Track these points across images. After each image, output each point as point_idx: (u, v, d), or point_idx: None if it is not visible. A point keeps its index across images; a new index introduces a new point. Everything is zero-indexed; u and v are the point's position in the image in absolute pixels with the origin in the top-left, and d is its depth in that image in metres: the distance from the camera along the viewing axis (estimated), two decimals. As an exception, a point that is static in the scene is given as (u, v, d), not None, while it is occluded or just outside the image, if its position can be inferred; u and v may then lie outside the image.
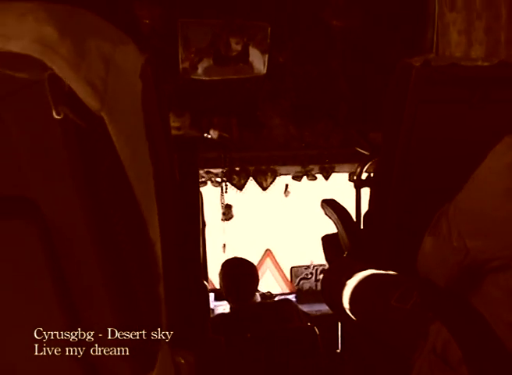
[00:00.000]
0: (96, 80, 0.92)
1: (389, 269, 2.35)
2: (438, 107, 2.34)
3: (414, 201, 2.43)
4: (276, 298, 4.88)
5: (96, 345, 1.12)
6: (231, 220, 4.87)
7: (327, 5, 4.48)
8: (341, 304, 2.39)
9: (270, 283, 5.59)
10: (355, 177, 3.64)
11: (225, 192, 4.67)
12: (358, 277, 2.34)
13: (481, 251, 1.66)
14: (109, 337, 1.12)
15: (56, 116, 0.89)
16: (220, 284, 4.42)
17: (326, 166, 4.79)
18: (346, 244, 2.96)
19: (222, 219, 4.81)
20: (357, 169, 3.62)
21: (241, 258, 4.52)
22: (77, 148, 0.96)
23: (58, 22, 0.89)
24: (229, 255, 4.80)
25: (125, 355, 1.15)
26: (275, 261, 5.82)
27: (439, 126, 2.37)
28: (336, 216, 3.08)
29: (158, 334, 1.20)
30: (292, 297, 5.21)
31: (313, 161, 4.80)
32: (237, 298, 4.25)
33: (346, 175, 4.70)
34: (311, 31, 4.60)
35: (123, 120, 1.00)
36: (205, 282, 3.81)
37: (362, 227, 3.15)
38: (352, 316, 2.36)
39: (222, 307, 4.72)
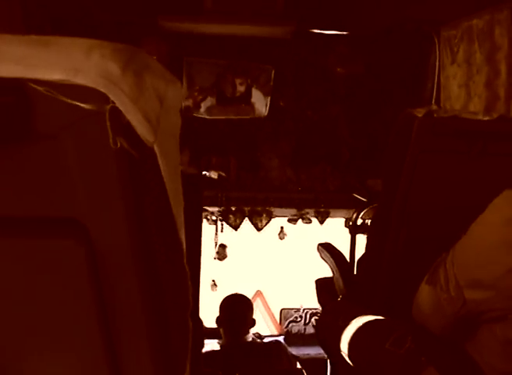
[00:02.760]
0: (151, 114, 0.97)
1: (384, 315, 2.37)
2: (438, 157, 2.37)
3: (411, 248, 2.45)
4: (265, 340, 4.87)
5: (127, 365, 1.15)
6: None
7: (331, 53, 4.55)
8: (337, 348, 2.40)
9: (259, 324, 5.58)
10: (351, 223, 3.66)
11: (221, 231, 4.70)
12: (357, 323, 2.35)
13: (479, 303, 1.68)
14: (140, 359, 1.15)
15: (113, 146, 0.94)
16: (218, 317, 4.43)
17: (322, 210, 4.82)
18: (340, 289, 2.98)
19: (215, 258, 4.82)
20: (353, 215, 3.65)
21: (243, 295, 4.55)
22: (129, 177, 1.00)
23: (122, 59, 0.94)
24: (220, 293, 4.80)
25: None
26: (265, 302, 5.82)
27: (438, 176, 2.40)
28: (332, 260, 3.10)
29: (184, 360, 1.23)
30: (280, 339, 5.20)
31: (308, 204, 4.83)
32: (233, 332, 4.26)
33: (341, 220, 4.75)
34: (314, 77, 4.67)
35: (170, 154, 1.05)
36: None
37: (356, 272, 3.18)
38: (349, 362, 2.37)
39: (210, 345, 4.71)
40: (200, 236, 2.53)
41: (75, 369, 1.17)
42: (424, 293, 1.93)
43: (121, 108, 0.93)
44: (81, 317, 1.10)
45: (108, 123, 0.93)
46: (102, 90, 0.92)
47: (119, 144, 0.94)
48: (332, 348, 2.50)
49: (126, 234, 1.04)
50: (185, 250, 1.17)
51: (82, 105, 0.91)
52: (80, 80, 0.91)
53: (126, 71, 0.94)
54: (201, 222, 2.66)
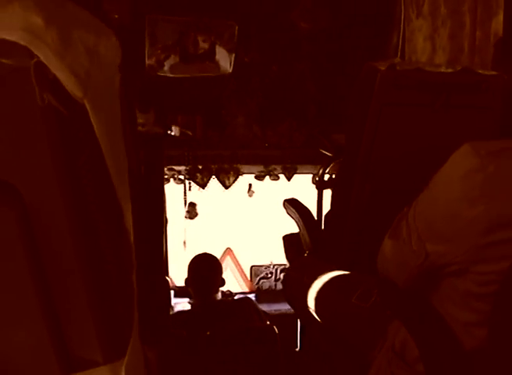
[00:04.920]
0: (80, 69, 0.93)
1: (350, 269, 2.38)
2: (401, 110, 2.37)
3: (375, 203, 2.46)
4: (236, 297, 4.89)
5: (70, 329, 1.13)
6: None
7: (295, 7, 4.51)
8: (305, 304, 2.41)
9: (230, 281, 5.59)
10: (317, 178, 3.66)
11: (189, 190, 4.67)
12: (323, 279, 2.36)
13: (441, 256, 1.69)
14: (83, 323, 1.13)
15: (40, 103, 0.90)
16: (187, 278, 4.42)
17: (288, 166, 4.82)
18: (307, 244, 2.98)
19: (185, 217, 4.80)
20: (319, 171, 3.64)
21: (211, 255, 4.53)
22: (59, 135, 0.97)
23: (45, 11, 0.90)
24: (190, 252, 4.79)
25: (97, 341, 1.16)
26: (236, 259, 5.82)
27: (401, 130, 2.40)
28: (298, 215, 3.10)
29: (130, 322, 1.21)
30: (251, 296, 5.22)
31: (275, 161, 4.83)
32: (202, 292, 4.26)
33: (309, 176, 4.75)
34: (278, 32, 4.62)
35: (104, 111, 1.01)
36: (167, 278, 3.80)
37: (323, 228, 3.18)
38: (316, 317, 2.38)
39: (182, 304, 4.72)
40: (163, 195, 2.51)
41: (14, 337, 1.15)
42: (388, 247, 1.93)
43: (46, 62, 0.89)
44: (16, 284, 1.08)
45: (33, 79, 0.89)
46: (24, 44, 0.88)
47: (46, 101, 0.91)
48: (299, 304, 2.52)
49: (59, 195, 1.01)
50: (126, 210, 1.14)
51: (4, 60, 0.88)
52: (0, 34, 0.87)
53: (49, 24, 0.90)
54: (163, 181, 2.64)
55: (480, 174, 1.58)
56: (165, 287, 3.82)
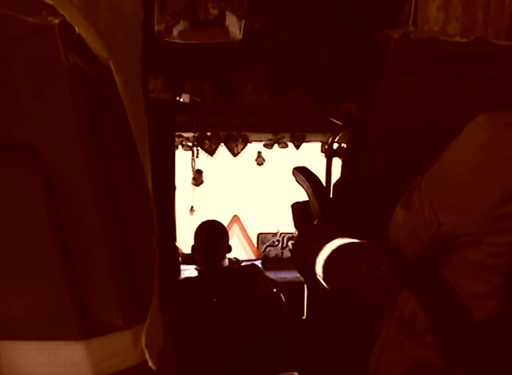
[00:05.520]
0: (105, 28, 0.92)
1: (360, 238, 2.38)
2: (414, 79, 2.35)
3: (386, 172, 2.45)
4: (243, 264, 4.90)
5: (91, 293, 1.13)
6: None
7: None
8: (313, 271, 2.41)
9: (237, 249, 5.60)
10: (326, 147, 3.65)
11: (197, 157, 4.66)
12: (332, 246, 2.36)
13: (453, 227, 1.69)
14: (104, 287, 1.13)
15: (65, 62, 0.89)
16: (193, 245, 4.42)
17: (298, 134, 4.80)
18: (316, 212, 2.98)
19: (192, 184, 4.80)
20: (328, 139, 3.62)
21: (217, 222, 4.52)
22: (83, 96, 0.96)
23: None
24: (197, 219, 4.80)
25: (118, 305, 1.16)
26: (243, 227, 5.82)
27: (414, 99, 2.39)
28: (307, 183, 3.09)
29: (150, 287, 1.21)
30: (258, 263, 5.23)
31: (284, 129, 4.81)
32: (208, 259, 4.26)
33: (317, 144, 4.73)
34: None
35: (128, 71, 1.00)
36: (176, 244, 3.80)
37: (332, 196, 3.17)
38: (325, 285, 2.39)
39: (189, 271, 4.73)
40: (174, 161, 2.50)
41: (35, 301, 1.15)
42: (399, 217, 1.93)
43: (71, 21, 0.87)
44: (39, 247, 1.07)
45: (58, 38, 0.88)
46: (50, 2, 0.86)
47: (71, 61, 0.89)
48: (308, 272, 2.52)
49: (81, 157, 1.00)
50: (148, 173, 1.14)
51: (29, 18, 0.86)
52: None
53: None
54: (174, 147, 2.64)
55: (495, 145, 1.57)
56: (176, 253, 3.82)
